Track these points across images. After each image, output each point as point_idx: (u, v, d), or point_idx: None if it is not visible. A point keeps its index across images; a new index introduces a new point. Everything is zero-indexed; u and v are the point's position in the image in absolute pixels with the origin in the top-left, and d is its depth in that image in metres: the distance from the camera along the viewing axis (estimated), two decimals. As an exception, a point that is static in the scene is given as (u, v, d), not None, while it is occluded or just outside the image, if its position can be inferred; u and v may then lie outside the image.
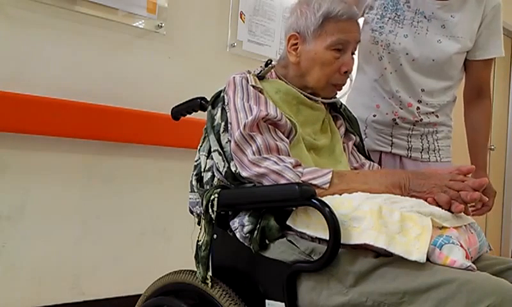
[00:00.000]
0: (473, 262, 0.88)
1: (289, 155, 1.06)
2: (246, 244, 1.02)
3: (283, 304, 0.95)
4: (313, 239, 0.95)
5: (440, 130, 1.59)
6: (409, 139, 1.57)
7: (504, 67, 4.51)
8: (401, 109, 1.53)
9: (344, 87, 1.24)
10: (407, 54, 1.50)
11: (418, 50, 1.49)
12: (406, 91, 1.52)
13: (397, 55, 1.51)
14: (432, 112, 1.55)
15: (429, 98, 1.53)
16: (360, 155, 1.34)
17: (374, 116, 1.57)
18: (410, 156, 1.58)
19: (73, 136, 1.82)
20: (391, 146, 1.58)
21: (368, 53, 1.57)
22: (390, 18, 1.52)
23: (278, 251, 0.98)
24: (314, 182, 0.99)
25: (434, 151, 1.59)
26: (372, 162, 1.34)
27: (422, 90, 1.52)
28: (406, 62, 1.51)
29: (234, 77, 1.15)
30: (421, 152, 1.58)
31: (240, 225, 1.02)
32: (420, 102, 1.52)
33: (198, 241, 1.07)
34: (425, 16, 1.50)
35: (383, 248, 0.83)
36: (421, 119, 1.54)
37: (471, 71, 1.57)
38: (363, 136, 1.61)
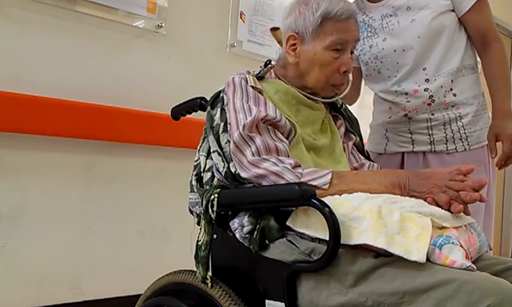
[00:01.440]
0: (473, 262, 0.88)
1: (289, 156, 1.06)
2: (245, 244, 1.02)
3: (283, 304, 0.95)
4: (313, 239, 0.95)
5: (464, 115, 1.50)
6: (430, 132, 1.52)
7: (504, 67, 4.50)
8: (408, 101, 1.53)
9: (343, 87, 1.24)
10: (395, 51, 1.52)
11: (401, 40, 1.51)
12: (410, 81, 1.52)
13: (388, 59, 1.54)
14: (450, 89, 1.49)
15: (434, 72, 1.49)
16: (359, 154, 1.34)
17: (390, 117, 1.60)
18: (434, 150, 1.52)
19: (73, 136, 1.82)
20: (412, 144, 1.56)
21: (367, 76, 1.63)
22: (364, 38, 1.57)
23: (278, 251, 0.98)
24: (314, 183, 0.99)
25: (460, 139, 1.50)
26: (372, 162, 1.34)
27: (424, 69, 1.50)
28: (399, 57, 1.52)
29: (233, 78, 1.15)
30: (446, 143, 1.51)
31: (240, 225, 1.02)
32: (428, 80, 1.50)
33: (197, 241, 1.07)
34: (390, 15, 1.53)
35: (383, 248, 0.83)
36: (433, 101, 1.49)
37: (467, 26, 1.53)
38: (385, 140, 1.62)
